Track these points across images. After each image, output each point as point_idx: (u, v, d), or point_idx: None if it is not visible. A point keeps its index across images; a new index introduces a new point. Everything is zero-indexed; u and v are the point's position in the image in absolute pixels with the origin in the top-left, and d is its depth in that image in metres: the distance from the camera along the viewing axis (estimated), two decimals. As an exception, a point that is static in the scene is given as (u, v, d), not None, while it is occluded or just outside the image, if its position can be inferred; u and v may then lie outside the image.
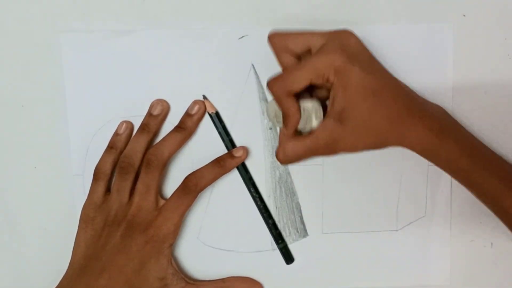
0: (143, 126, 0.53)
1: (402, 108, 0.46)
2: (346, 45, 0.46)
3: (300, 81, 0.45)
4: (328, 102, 0.46)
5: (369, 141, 0.46)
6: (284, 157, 0.46)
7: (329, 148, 0.46)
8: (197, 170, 0.52)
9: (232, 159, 0.53)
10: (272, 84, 0.46)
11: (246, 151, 0.53)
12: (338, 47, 0.45)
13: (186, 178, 0.52)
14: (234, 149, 0.53)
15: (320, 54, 0.45)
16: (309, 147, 0.46)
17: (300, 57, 0.47)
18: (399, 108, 0.46)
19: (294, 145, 0.46)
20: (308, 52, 0.47)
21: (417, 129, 0.46)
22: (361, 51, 0.47)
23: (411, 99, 0.48)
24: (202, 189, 0.52)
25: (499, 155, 0.51)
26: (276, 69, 0.52)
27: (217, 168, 0.52)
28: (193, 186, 0.52)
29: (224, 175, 0.53)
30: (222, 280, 0.55)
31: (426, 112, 0.48)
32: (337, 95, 0.45)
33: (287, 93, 0.45)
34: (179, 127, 0.53)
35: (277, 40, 0.47)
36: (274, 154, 0.50)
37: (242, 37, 0.53)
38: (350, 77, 0.44)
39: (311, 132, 0.46)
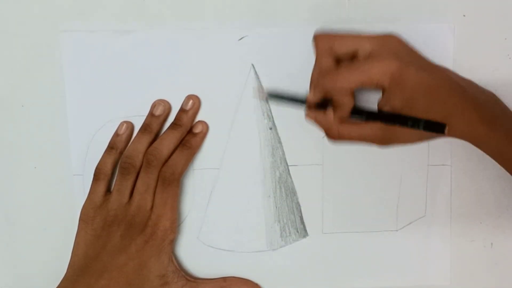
0: (145, 127, 0.53)
1: (457, 102, 0.46)
2: (396, 49, 0.46)
3: (352, 82, 0.45)
4: (380, 101, 0.47)
5: (424, 135, 0.48)
6: (339, 137, 0.48)
7: (384, 141, 0.48)
8: (169, 160, 0.52)
9: (195, 136, 0.53)
10: (323, 81, 0.46)
11: (205, 125, 0.53)
12: (390, 52, 0.46)
13: (161, 171, 0.52)
14: (193, 125, 0.53)
15: (374, 61, 0.45)
16: (364, 136, 0.47)
17: (340, 61, 0.47)
18: (454, 103, 0.46)
19: (350, 130, 0.47)
20: (352, 55, 0.47)
21: (470, 120, 0.46)
22: (410, 52, 0.48)
23: (464, 90, 0.48)
24: (180, 175, 0.52)
25: None
26: (276, 69, 0.53)
27: (186, 150, 0.52)
28: (171, 175, 0.52)
29: (195, 154, 0.53)
30: (223, 279, 0.55)
31: (479, 102, 0.48)
32: (393, 97, 0.46)
33: (338, 90, 0.46)
34: (175, 124, 0.53)
35: (323, 41, 0.47)
36: (323, 135, 0.49)
37: (242, 37, 0.53)
38: (406, 79, 0.45)
39: (368, 122, 0.47)
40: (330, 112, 0.48)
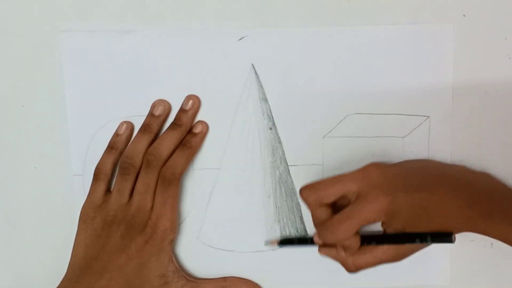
0: (145, 127, 0.53)
1: (453, 208, 0.47)
2: (379, 181, 0.47)
3: (351, 231, 0.47)
4: (382, 223, 0.49)
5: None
6: (357, 269, 0.50)
7: (399, 257, 0.50)
8: (169, 160, 0.52)
9: (195, 136, 0.53)
10: (324, 235, 0.49)
11: (205, 124, 0.53)
12: (375, 190, 0.47)
13: (161, 171, 0.52)
14: (193, 125, 0.53)
15: (364, 204, 0.47)
16: (379, 259, 0.50)
17: (333, 205, 0.49)
18: (450, 210, 0.47)
19: (365, 260, 0.50)
20: (342, 198, 0.48)
21: (466, 219, 0.47)
22: (393, 175, 0.48)
23: (458, 191, 0.48)
24: (180, 175, 0.52)
25: None
26: (276, 69, 0.53)
27: (186, 150, 0.52)
28: (171, 175, 0.52)
29: (195, 154, 0.53)
30: (223, 279, 0.55)
31: (474, 195, 0.48)
32: (394, 223, 0.48)
33: (340, 239, 0.48)
34: (175, 124, 0.53)
35: (309, 196, 0.49)
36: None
37: (242, 37, 0.53)
38: (399, 209, 0.46)
39: (378, 245, 0.49)
40: (340, 250, 0.50)
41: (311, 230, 0.55)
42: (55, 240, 0.55)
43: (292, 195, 0.54)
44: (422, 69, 0.53)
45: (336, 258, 0.50)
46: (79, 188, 0.54)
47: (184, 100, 0.53)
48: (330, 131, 0.53)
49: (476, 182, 0.50)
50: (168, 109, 0.53)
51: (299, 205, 0.55)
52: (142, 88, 0.53)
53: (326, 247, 0.51)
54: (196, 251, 0.55)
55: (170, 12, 0.52)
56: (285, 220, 0.55)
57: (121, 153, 0.53)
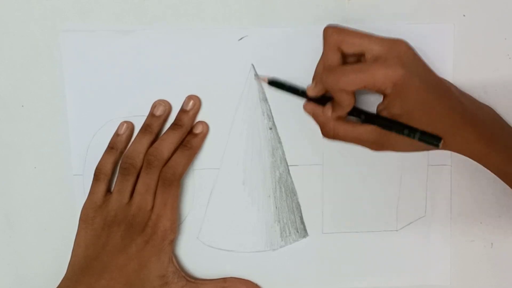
0: (146, 127, 0.53)
1: (455, 119, 0.46)
2: (404, 57, 0.46)
3: (355, 84, 0.45)
4: (379, 104, 0.47)
5: (420, 147, 0.47)
6: (334, 136, 0.48)
7: (377, 145, 0.48)
8: (170, 160, 0.52)
9: (196, 136, 0.53)
10: (326, 77, 0.46)
11: (205, 125, 0.53)
12: (397, 59, 0.45)
13: (162, 172, 0.52)
14: (193, 126, 0.53)
15: (380, 66, 0.45)
16: (359, 137, 0.48)
17: (346, 57, 0.47)
18: (453, 120, 0.46)
19: (346, 129, 0.48)
20: (359, 55, 0.47)
21: (468, 137, 0.47)
22: (417, 61, 0.47)
23: (465, 108, 0.48)
24: (181, 176, 0.52)
25: None
26: (276, 69, 0.53)
27: (186, 151, 0.52)
28: (172, 176, 0.52)
29: (196, 155, 0.53)
30: (224, 280, 0.55)
31: (478, 119, 0.48)
32: (393, 104, 0.46)
33: (340, 89, 0.46)
34: (176, 124, 0.53)
35: (333, 35, 0.47)
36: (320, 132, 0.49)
37: (242, 37, 0.53)
38: (408, 90, 0.45)
39: (364, 124, 0.47)
40: (328, 109, 0.48)
41: (311, 230, 0.55)
42: (55, 240, 0.55)
43: (292, 195, 0.54)
44: (422, 69, 0.53)
45: (319, 117, 0.49)
46: (79, 188, 0.54)
47: (185, 100, 0.53)
48: (330, 131, 0.53)
49: (481, 111, 0.50)
50: (169, 109, 0.53)
51: (299, 205, 0.55)
52: (142, 88, 0.53)
53: (312, 104, 0.49)
54: (196, 251, 0.55)
55: (170, 12, 0.52)
56: (285, 220, 0.55)
57: (121, 153, 0.53)
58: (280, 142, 0.54)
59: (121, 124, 0.53)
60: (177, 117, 0.53)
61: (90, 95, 0.53)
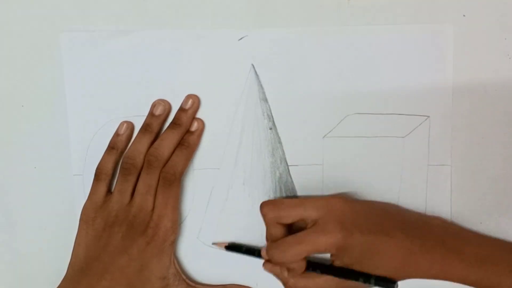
0: (145, 127, 0.53)
1: (405, 252, 0.48)
2: (341, 214, 0.48)
3: (300, 255, 0.48)
4: (331, 256, 0.49)
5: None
6: None
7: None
8: (170, 160, 0.52)
9: (192, 134, 0.53)
10: (273, 253, 0.49)
11: (200, 122, 0.53)
12: (335, 222, 0.48)
13: (162, 172, 0.52)
14: (191, 126, 0.53)
15: (319, 233, 0.48)
16: (320, 287, 0.50)
17: (288, 226, 0.50)
18: (402, 255, 0.48)
19: (306, 284, 0.50)
20: (301, 220, 0.49)
21: (420, 264, 0.48)
22: (356, 212, 0.49)
23: (411, 234, 0.49)
24: (181, 175, 0.52)
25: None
26: (276, 69, 0.53)
27: (185, 149, 0.52)
28: (172, 176, 0.52)
29: (195, 152, 0.53)
30: (224, 286, 0.55)
31: (429, 241, 0.49)
32: (342, 258, 0.48)
33: (288, 260, 0.49)
34: (175, 124, 0.53)
35: (269, 214, 0.50)
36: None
37: (242, 37, 0.53)
38: (352, 246, 0.47)
39: (322, 274, 0.50)
40: (284, 271, 0.51)
41: (311, 230, 0.55)
42: (55, 240, 0.55)
43: (292, 195, 0.54)
44: (422, 69, 0.53)
45: (278, 275, 0.51)
46: (79, 188, 0.54)
47: (184, 99, 0.53)
48: (330, 131, 0.53)
49: (431, 228, 0.51)
50: (168, 109, 0.53)
51: (299, 205, 0.55)
52: (142, 88, 0.53)
53: (271, 263, 0.51)
54: (196, 251, 0.55)
55: (170, 12, 0.52)
56: (285, 220, 0.55)
57: (121, 153, 0.53)
58: (280, 142, 0.54)
59: (121, 124, 0.53)
60: (175, 116, 0.53)
61: (90, 95, 0.53)
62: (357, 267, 0.48)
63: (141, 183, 0.52)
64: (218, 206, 0.55)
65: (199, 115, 0.53)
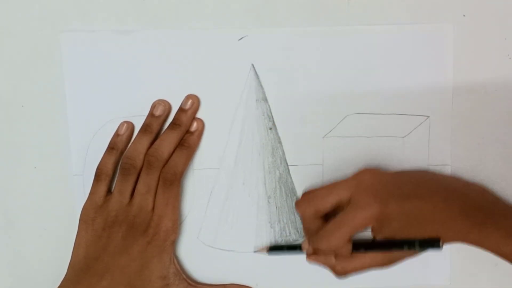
0: (145, 127, 0.53)
1: (443, 215, 0.47)
2: (372, 187, 0.48)
3: (343, 238, 0.48)
4: (372, 230, 0.49)
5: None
6: (346, 274, 0.51)
7: (387, 264, 0.50)
8: (170, 160, 0.52)
9: (192, 134, 0.53)
10: (318, 244, 0.49)
11: (200, 122, 0.53)
12: (367, 196, 0.47)
13: (162, 172, 0.52)
14: (190, 126, 0.53)
15: (355, 211, 0.47)
16: (368, 265, 0.50)
17: (326, 215, 0.50)
18: (441, 217, 0.47)
19: (354, 265, 0.50)
20: (335, 206, 0.49)
21: (460, 230, 0.47)
22: (386, 182, 0.49)
23: (451, 200, 0.48)
24: (181, 175, 0.52)
25: None
26: (276, 69, 0.53)
27: (184, 150, 0.52)
28: (172, 176, 0.52)
29: (194, 153, 0.53)
30: (224, 286, 0.55)
31: (467, 205, 0.48)
32: (383, 230, 0.48)
33: (333, 247, 0.49)
34: (174, 124, 0.53)
35: (306, 209, 0.50)
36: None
37: (242, 37, 0.53)
38: (390, 216, 0.47)
39: (367, 252, 0.50)
40: (331, 258, 0.50)
41: (311, 230, 0.55)
42: (55, 240, 0.55)
43: (292, 195, 0.54)
44: (422, 69, 0.53)
45: (325, 264, 0.51)
46: (79, 188, 0.54)
47: (184, 99, 0.53)
48: (330, 131, 0.53)
49: (469, 192, 0.50)
50: (168, 109, 0.53)
51: (299, 205, 0.55)
52: (142, 88, 0.53)
53: (314, 254, 0.51)
54: (196, 251, 0.55)
55: (170, 12, 0.52)
56: (285, 220, 0.55)
57: (121, 153, 0.53)
58: (280, 142, 0.54)
59: (121, 124, 0.53)
60: (175, 116, 0.53)
61: (90, 95, 0.53)
62: (398, 236, 0.48)
63: (141, 183, 0.52)
64: (218, 206, 0.55)
65: (199, 115, 0.53)
